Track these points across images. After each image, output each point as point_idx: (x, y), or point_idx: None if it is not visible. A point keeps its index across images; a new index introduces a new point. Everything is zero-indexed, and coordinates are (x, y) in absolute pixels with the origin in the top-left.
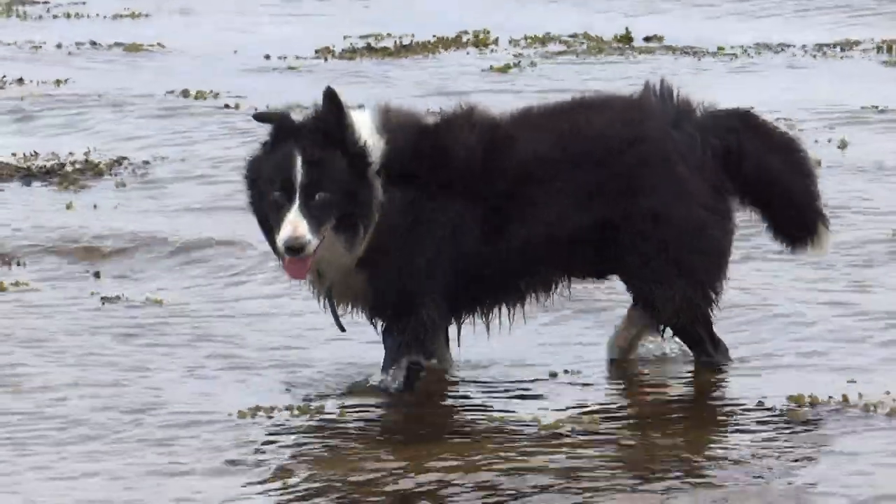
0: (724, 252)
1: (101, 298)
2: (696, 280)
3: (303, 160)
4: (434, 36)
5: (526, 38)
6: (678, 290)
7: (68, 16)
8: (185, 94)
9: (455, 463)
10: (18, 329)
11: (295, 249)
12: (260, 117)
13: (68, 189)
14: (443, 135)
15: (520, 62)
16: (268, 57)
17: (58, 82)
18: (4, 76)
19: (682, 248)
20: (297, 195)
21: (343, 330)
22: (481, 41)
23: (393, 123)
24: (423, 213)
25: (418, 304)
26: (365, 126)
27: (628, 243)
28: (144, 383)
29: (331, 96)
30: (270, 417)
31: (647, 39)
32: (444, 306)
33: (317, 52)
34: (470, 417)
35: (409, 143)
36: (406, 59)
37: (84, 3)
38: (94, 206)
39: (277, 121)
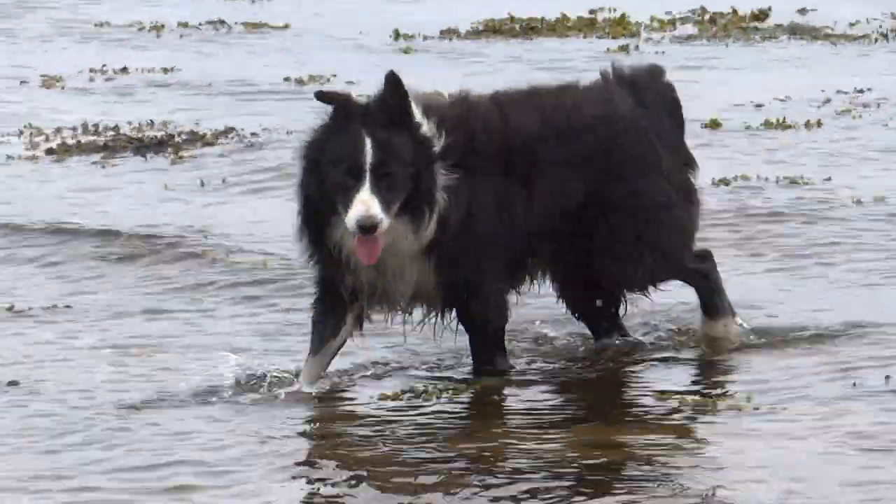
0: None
1: None
2: (664, 257)
3: (372, 141)
4: (562, 15)
5: (653, 19)
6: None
7: None
8: (300, 81)
9: None
10: None
11: (367, 228)
12: (322, 96)
13: None
14: (481, 117)
15: (637, 45)
16: (397, 37)
17: (165, 70)
18: (104, 65)
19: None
20: (368, 175)
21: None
22: (610, 22)
23: (433, 108)
24: (481, 196)
25: (490, 289)
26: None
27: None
28: None
29: (394, 80)
30: None
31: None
32: (507, 285)
33: (442, 32)
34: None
35: (448, 127)
36: (531, 39)
37: None
38: None
39: (341, 102)
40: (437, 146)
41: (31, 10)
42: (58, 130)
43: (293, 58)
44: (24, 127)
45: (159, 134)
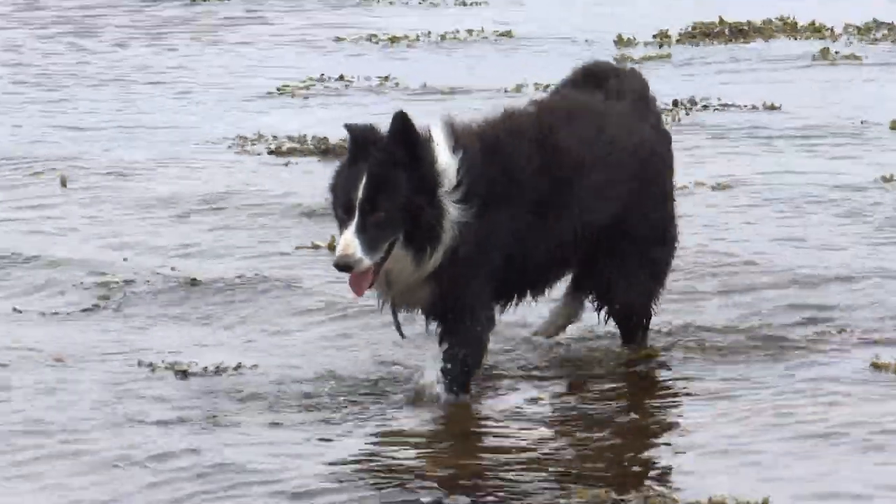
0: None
1: None
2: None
3: (367, 179)
4: (769, 20)
5: (858, 27)
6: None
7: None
8: (518, 88)
9: None
10: None
11: (341, 267)
12: (348, 128)
13: None
14: (505, 148)
15: (836, 49)
16: (620, 42)
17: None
18: (322, 74)
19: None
20: (357, 213)
21: (403, 336)
22: (813, 28)
23: (461, 140)
24: (493, 227)
25: (477, 309)
26: (440, 145)
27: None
28: None
29: (400, 119)
30: None
31: None
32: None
33: (654, 36)
34: None
35: (478, 159)
36: (738, 43)
37: None
38: None
39: (354, 136)
40: (452, 181)
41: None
42: None
43: (515, 64)
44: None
45: None
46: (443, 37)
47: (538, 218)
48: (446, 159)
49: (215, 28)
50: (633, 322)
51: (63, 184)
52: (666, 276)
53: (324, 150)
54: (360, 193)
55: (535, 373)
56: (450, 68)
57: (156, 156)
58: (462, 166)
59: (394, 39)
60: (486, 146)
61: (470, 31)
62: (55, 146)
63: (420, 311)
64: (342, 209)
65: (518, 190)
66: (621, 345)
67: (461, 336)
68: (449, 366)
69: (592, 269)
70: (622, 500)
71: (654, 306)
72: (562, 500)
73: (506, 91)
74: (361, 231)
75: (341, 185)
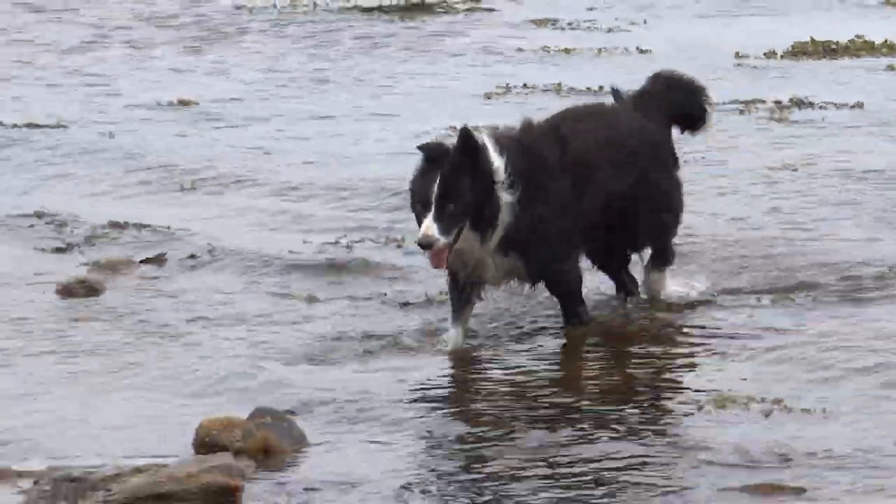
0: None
1: None
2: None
3: (440, 181)
4: (852, 39)
5: None
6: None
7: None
8: None
9: None
10: None
11: (424, 246)
12: (421, 148)
13: None
14: (537, 145)
15: None
16: (737, 56)
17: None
18: (508, 83)
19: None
20: (434, 207)
21: (481, 299)
22: (887, 45)
23: (502, 142)
24: (543, 201)
25: (566, 260)
26: (491, 149)
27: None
28: None
29: (464, 136)
30: None
31: None
32: (576, 256)
33: (764, 53)
34: None
35: (517, 156)
36: (829, 59)
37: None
38: None
39: (426, 151)
40: (503, 177)
41: None
42: None
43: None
44: None
45: None
46: (599, 51)
47: (567, 193)
48: (496, 159)
49: (423, 41)
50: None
51: None
52: (676, 227)
53: None
54: (435, 191)
55: None
56: (603, 75)
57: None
58: (508, 163)
59: (567, 51)
60: (522, 146)
61: (616, 48)
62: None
63: (517, 281)
64: (420, 205)
65: (547, 174)
66: (644, 281)
67: (560, 285)
68: (564, 315)
69: (624, 232)
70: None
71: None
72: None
73: None
74: (438, 219)
75: (419, 187)
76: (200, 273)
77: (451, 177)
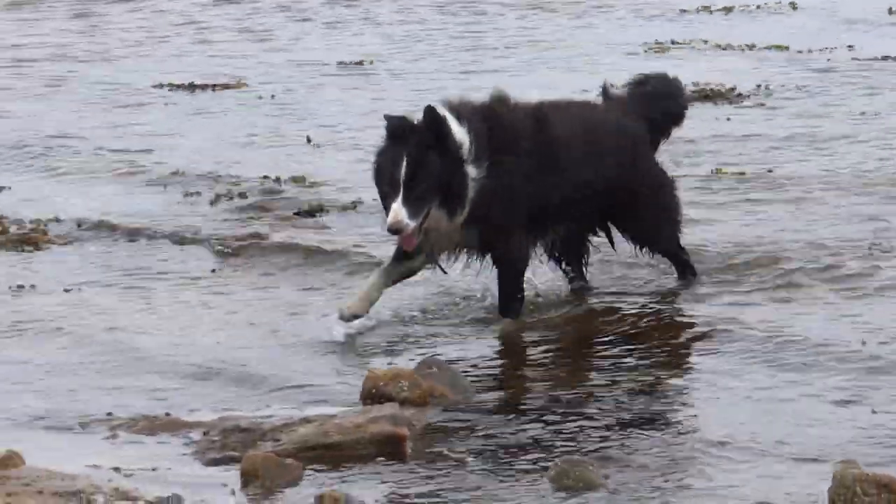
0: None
1: None
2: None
3: (406, 161)
4: None
5: None
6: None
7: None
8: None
9: None
10: None
11: (394, 231)
12: (386, 118)
13: None
14: (505, 117)
15: None
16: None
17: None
18: (672, 39)
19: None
20: (401, 189)
21: (445, 273)
22: None
23: (462, 113)
24: (505, 175)
25: (517, 235)
26: (452, 121)
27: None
28: None
29: (431, 113)
30: None
31: None
32: (528, 238)
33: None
34: None
35: (483, 127)
36: None
37: None
38: None
39: (389, 127)
40: (469, 152)
41: None
42: None
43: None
44: None
45: None
46: (729, 9)
47: (534, 170)
48: (459, 132)
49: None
50: (673, 247)
51: None
52: (676, 218)
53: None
54: (402, 172)
55: None
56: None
57: None
58: (472, 136)
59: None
60: (493, 117)
61: (758, 6)
62: None
63: (462, 249)
64: (388, 185)
65: (518, 147)
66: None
67: (503, 260)
68: (499, 294)
69: (627, 221)
70: None
71: (675, 237)
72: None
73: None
74: (406, 203)
75: (385, 165)
76: None
77: (418, 157)
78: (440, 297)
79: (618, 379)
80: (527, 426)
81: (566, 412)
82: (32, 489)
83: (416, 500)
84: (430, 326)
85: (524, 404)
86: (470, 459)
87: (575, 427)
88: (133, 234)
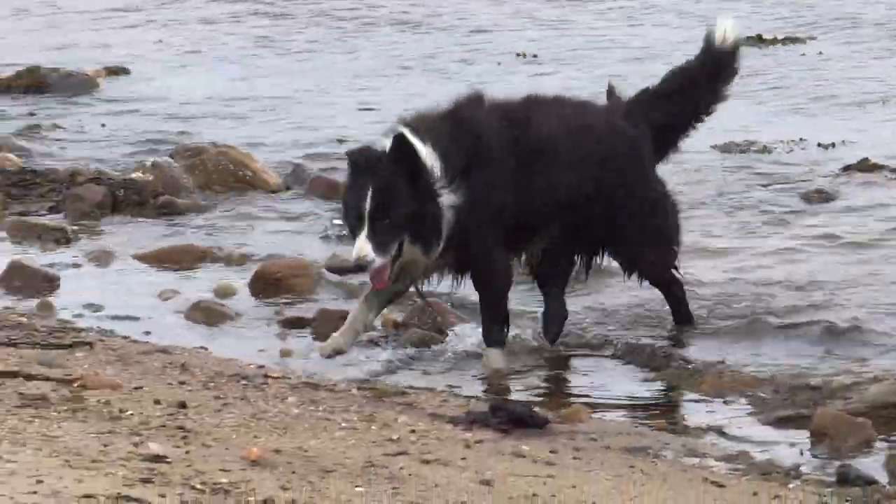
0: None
1: None
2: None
3: (372, 192)
4: None
5: None
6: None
7: None
8: None
9: None
10: None
11: (359, 267)
12: (348, 154)
13: None
14: (473, 122)
15: None
16: None
17: None
18: None
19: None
20: (367, 222)
21: (424, 299)
22: None
23: (422, 129)
24: (478, 190)
25: (497, 251)
26: (417, 143)
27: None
28: None
29: (398, 139)
30: None
31: None
32: (509, 256)
33: None
34: None
35: (449, 141)
36: None
37: None
38: None
39: (354, 159)
40: (441, 177)
41: None
42: None
43: None
44: None
45: None
46: None
47: (512, 176)
48: (427, 155)
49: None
50: (660, 276)
51: None
52: (673, 238)
53: None
54: (367, 206)
55: None
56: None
57: None
58: (436, 152)
59: None
60: (453, 126)
61: None
62: None
63: (446, 273)
64: (354, 219)
65: (486, 157)
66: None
67: (483, 281)
68: (483, 320)
69: (615, 244)
70: None
71: (670, 265)
72: None
73: None
74: (372, 237)
75: (351, 199)
76: None
77: (384, 189)
78: None
79: None
80: None
81: None
82: (599, 444)
83: None
84: None
85: None
86: None
87: None
88: None
